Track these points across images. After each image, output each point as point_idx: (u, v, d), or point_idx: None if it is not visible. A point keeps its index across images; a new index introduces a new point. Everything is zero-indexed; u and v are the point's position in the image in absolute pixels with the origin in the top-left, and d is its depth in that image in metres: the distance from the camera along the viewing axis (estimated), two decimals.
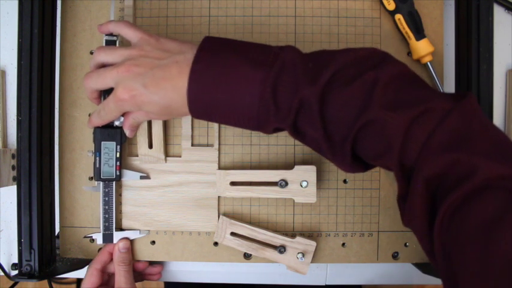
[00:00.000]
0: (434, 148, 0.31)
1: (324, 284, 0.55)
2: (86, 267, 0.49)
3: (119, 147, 0.47)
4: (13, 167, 0.51)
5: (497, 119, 0.53)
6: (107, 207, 0.48)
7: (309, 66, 0.35)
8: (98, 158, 0.46)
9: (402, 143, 0.32)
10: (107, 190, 0.48)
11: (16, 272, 0.49)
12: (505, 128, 0.53)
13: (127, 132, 0.45)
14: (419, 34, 0.48)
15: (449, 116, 0.31)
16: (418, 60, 0.50)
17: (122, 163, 0.48)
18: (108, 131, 0.46)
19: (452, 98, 0.33)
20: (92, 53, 0.51)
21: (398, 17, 0.48)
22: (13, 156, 0.51)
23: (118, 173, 0.47)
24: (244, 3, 0.50)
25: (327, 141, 0.35)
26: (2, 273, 0.52)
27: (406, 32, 0.48)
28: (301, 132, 0.37)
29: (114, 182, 0.48)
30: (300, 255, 0.48)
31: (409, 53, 0.50)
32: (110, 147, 0.46)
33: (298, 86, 0.34)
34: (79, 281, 0.97)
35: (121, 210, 0.50)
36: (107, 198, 0.48)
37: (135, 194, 0.50)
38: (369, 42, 0.50)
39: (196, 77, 0.36)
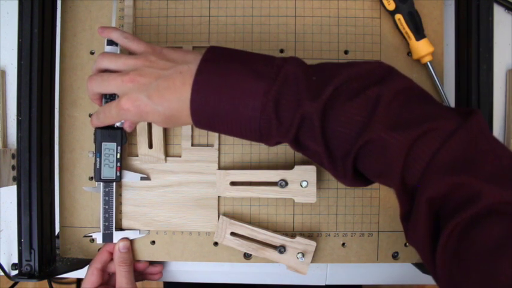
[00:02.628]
0: (438, 169, 0.30)
1: (324, 284, 0.55)
2: (86, 267, 0.49)
3: (119, 148, 0.47)
4: (13, 167, 0.51)
5: (497, 119, 0.53)
6: (107, 206, 0.48)
7: (313, 80, 0.34)
8: (98, 159, 0.46)
9: (404, 164, 0.31)
10: (107, 190, 0.48)
11: (16, 272, 0.49)
12: (505, 128, 0.53)
13: (127, 128, 0.46)
14: (419, 34, 0.48)
15: (454, 136, 0.30)
16: (418, 60, 0.50)
17: (122, 163, 0.48)
18: (108, 132, 0.46)
19: (459, 115, 0.32)
20: (92, 53, 0.51)
21: (398, 17, 0.48)
22: (13, 156, 0.51)
23: (118, 174, 0.47)
24: (244, 3, 0.50)
25: (328, 157, 0.35)
26: (2, 273, 0.52)
27: (406, 32, 0.48)
28: (303, 145, 0.36)
29: (114, 182, 0.48)
30: (300, 255, 0.48)
31: (409, 53, 0.50)
32: (110, 148, 0.46)
33: (300, 100, 0.34)
34: (79, 281, 0.97)
35: (121, 210, 0.50)
36: (107, 198, 0.48)
37: (135, 194, 0.50)
38: (369, 42, 0.50)
39: (199, 88, 0.36)
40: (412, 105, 0.33)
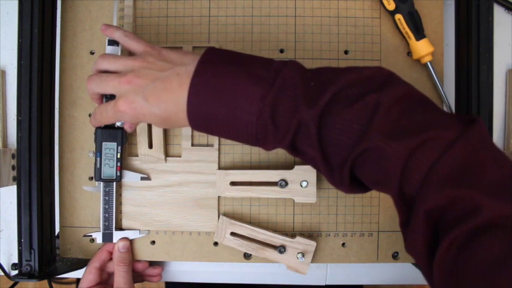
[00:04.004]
0: (436, 181, 0.30)
1: (324, 284, 0.55)
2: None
3: (119, 148, 0.47)
4: (13, 167, 0.51)
5: (497, 119, 0.53)
6: (107, 206, 0.48)
7: (311, 85, 0.34)
8: (98, 159, 0.47)
9: (402, 174, 0.31)
10: (107, 190, 0.48)
11: (16, 272, 0.49)
12: (505, 128, 0.53)
13: (127, 129, 0.46)
14: (419, 34, 0.48)
15: (454, 147, 0.30)
16: (418, 60, 0.50)
17: (122, 163, 0.48)
18: (109, 132, 0.46)
19: (460, 123, 0.32)
20: (92, 53, 0.51)
21: (398, 17, 0.48)
22: (13, 156, 0.51)
23: (118, 174, 0.47)
24: (244, 3, 0.50)
25: (325, 164, 0.34)
26: (2, 273, 0.52)
27: (406, 32, 0.48)
28: (300, 151, 0.36)
29: (114, 182, 0.48)
30: (300, 255, 0.48)
31: (409, 53, 0.50)
32: (110, 148, 0.47)
33: (297, 106, 0.33)
34: (79, 281, 0.96)
35: (121, 210, 0.50)
36: (107, 198, 0.48)
37: (135, 194, 0.50)
38: (369, 42, 0.50)
39: (195, 91, 0.35)
40: (411, 113, 0.32)
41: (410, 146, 0.30)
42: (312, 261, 0.49)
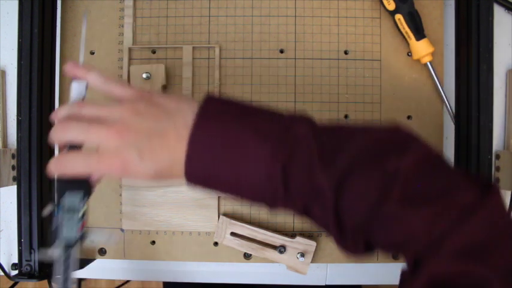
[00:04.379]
0: (449, 249, 0.29)
1: (324, 284, 0.55)
2: (86, 267, 0.49)
3: (85, 199, 0.35)
4: (13, 167, 0.51)
5: (497, 119, 0.52)
6: (66, 274, 0.35)
7: (324, 143, 0.31)
8: (59, 215, 0.35)
9: (419, 239, 0.30)
10: (66, 256, 0.35)
11: (16, 272, 0.49)
12: (505, 128, 0.52)
13: (95, 180, 0.37)
14: (419, 34, 0.48)
15: (472, 217, 0.29)
16: (418, 60, 0.50)
17: (87, 219, 0.37)
18: (74, 181, 0.35)
19: (476, 187, 0.31)
20: (92, 53, 0.51)
21: (398, 17, 0.48)
22: (13, 156, 0.51)
23: (80, 235, 0.35)
24: (244, 3, 0.50)
25: (338, 229, 0.32)
26: (2, 273, 0.52)
27: (406, 32, 0.48)
28: (312, 214, 0.34)
29: (76, 245, 0.36)
30: (299, 255, 0.48)
31: (409, 53, 0.50)
32: (74, 201, 0.35)
33: (311, 170, 0.31)
34: (79, 281, 0.97)
35: (121, 210, 0.50)
36: (67, 263, 0.35)
37: (135, 194, 0.50)
38: (369, 42, 0.50)
39: (195, 148, 0.31)
40: (430, 177, 0.31)
41: (428, 213, 0.29)
42: (312, 261, 0.49)
